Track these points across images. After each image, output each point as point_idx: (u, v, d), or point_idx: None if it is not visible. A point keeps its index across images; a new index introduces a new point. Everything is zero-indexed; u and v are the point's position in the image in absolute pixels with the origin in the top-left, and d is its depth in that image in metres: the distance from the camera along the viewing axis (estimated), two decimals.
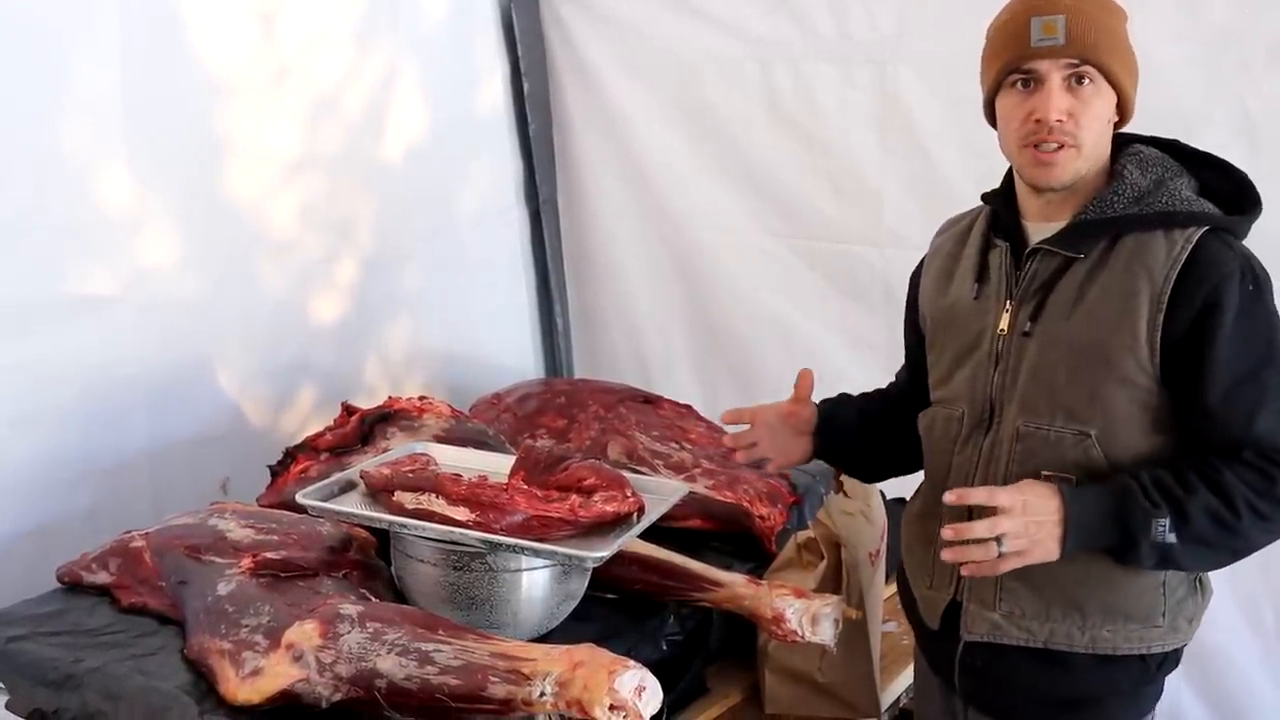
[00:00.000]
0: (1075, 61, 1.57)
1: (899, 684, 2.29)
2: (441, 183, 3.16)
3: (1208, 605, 1.71)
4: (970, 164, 2.58)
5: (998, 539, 1.52)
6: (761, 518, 2.32)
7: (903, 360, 1.98)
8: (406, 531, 1.84)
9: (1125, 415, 1.59)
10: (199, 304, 2.57)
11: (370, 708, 1.62)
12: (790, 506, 2.42)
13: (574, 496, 1.87)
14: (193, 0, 2.46)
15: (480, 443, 2.29)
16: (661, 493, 2.00)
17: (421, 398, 2.45)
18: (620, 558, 1.91)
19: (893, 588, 2.04)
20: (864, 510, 2.13)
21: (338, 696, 1.63)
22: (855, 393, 2.00)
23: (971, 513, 1.60)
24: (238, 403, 2.69)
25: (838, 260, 3.04)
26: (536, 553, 1.78)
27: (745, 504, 2.33)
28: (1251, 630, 2.59)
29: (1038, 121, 1.58)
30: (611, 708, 1.48)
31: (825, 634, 1.90)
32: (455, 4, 3.11)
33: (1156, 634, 1.64)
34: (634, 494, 1.90)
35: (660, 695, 1.53)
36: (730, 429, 2.00)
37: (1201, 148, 1.70)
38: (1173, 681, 1.75)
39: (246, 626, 1.74)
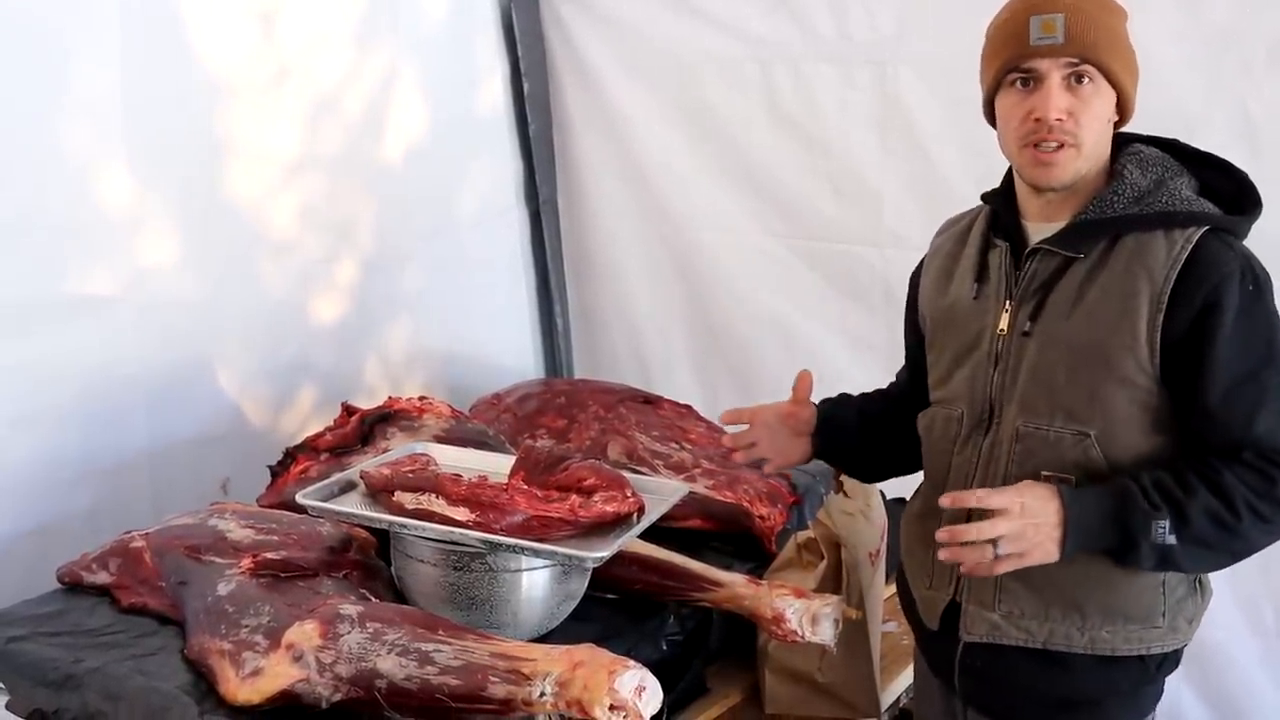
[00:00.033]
0: (1075, 60, 1.57)
1: (899, 684, 2.29)
2: (441, 183, 3.16)
3: (1207, 606, 1.71)
4: (970, 164, 2.58)
5: (993, 541, 1.52)
6: (761, 518, 2.31)
7: (903, 360, 1.98)
8: (406, 532, 1.84)
9: (1125, 415, 1.58)
10: (199, 304, 2.57)
11: (370, 708, 1.62)
12: (790, 506, 2.42)
13: (574, 497, 1.87)
14: (193, 0, 2.46)
15: (480, 443, 2.29)
16: (661, 493, 2.00)
17: (421, 398, 2.45)
18: (620, 558, 1.90)
19: (893, 588, 2.04)
20: (864, 510, 2.13)
21: (338, 697, 1.63)
22: (855, 393, 2.00)
23: (970, 513, 1.60)
24: (238, 403, 2.69)
25: (838, 261, 3.03)
26: (536, 553, 1.78)
27: (745, 504, 2.33)
28: (1251, 630, 2.59)
29: (1037, 121, 1.58)
30: (611, 708, 1.48)
31: (825, 634, 1.90)
32: (455, 4, 3.11)
33: (1156, 635, 1.64)
34: (634, 494, 1.90)
35: (660, 695, 1.53)
36: (730, 429, 2.00)
37: (1202, 148, 1.70)
38: (1173, 682, 1.75)
39: (246, 627, 1.74)
